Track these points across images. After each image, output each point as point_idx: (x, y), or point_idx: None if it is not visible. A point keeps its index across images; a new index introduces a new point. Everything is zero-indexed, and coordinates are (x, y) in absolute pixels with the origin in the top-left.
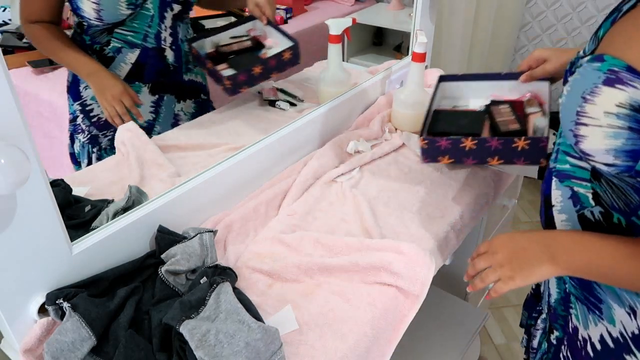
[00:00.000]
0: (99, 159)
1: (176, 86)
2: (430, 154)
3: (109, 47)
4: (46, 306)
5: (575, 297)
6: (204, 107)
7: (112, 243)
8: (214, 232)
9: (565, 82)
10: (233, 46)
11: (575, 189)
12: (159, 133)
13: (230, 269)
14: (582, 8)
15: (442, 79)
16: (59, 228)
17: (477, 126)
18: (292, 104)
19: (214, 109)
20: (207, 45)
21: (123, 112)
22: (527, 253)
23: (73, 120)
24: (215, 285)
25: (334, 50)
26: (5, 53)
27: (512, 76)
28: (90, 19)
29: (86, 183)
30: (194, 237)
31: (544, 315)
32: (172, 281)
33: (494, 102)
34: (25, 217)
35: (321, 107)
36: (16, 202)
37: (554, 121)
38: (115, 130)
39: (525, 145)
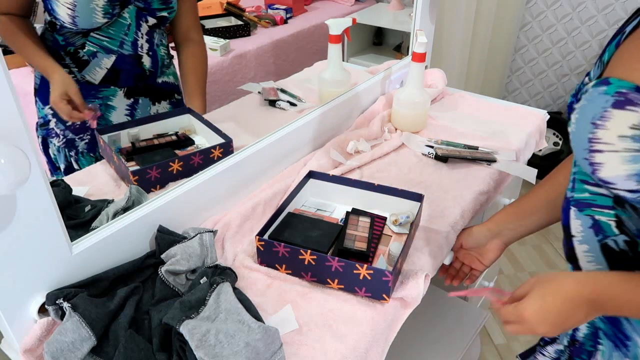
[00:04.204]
0: (77, 162)
1: (150, 89)
2: (266, 258)
3: (84, 50)
4: (46, 306)
5: (604, 332)
6: (178, 107)
7: (112, 243)
8: (213, 232)
9: (571, 110)
10: (154, 141)
11: (597, 217)
12: None
13: (230, 269)
14: (582, 8)
15: (312, 175)
16: (59, 228)
17: (325, 243)
18: (292, 104)
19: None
20: (122, 138)
21: (67, 112)
22: (571, 320)
23: (45, 124)
24: (215, 285)
25: (334, 50)
26: (5, 53)
27: (386, 190)
28: (64, 23)
29: (86, 183)
30: (193, 237)
31: (560, 347)
32: (172, 281)
33: (357, 211)
34: (25, 217)
35: (321, 107)
36: (16, 202)
37: (554, 120)
38: (92, 133)
39: (368, 275)
